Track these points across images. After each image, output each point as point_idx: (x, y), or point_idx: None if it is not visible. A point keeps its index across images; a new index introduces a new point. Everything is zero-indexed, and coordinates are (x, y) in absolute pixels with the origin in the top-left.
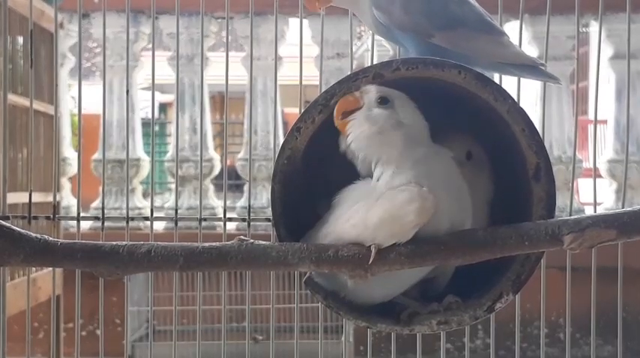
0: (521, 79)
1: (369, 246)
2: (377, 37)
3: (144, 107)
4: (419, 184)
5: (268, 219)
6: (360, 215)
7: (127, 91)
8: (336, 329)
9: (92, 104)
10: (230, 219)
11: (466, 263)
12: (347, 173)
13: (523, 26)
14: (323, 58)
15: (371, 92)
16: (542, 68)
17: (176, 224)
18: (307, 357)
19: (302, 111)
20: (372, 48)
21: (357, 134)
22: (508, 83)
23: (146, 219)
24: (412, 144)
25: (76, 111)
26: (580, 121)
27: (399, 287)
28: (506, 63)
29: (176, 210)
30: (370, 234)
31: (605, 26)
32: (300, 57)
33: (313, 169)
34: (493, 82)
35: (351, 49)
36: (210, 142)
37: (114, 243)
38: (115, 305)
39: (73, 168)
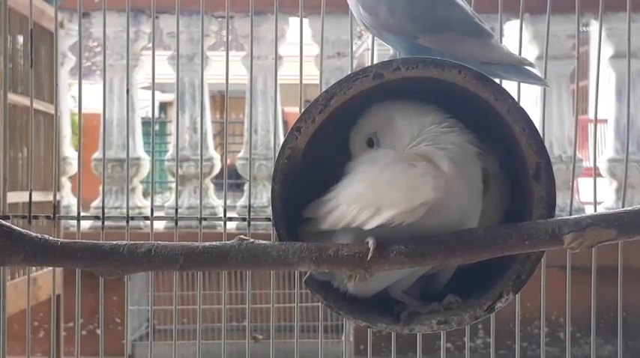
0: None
1: (367, 243)
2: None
3: (144, 106)
4: (435, 162)
5: (268, 219)
6: (371, 174)
7: (127, 90)
8: (336, 328)
9: (92, 103)
10: (230, 219)
11: (466, 262)
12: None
13: (523, 26)
14: (323, 57)
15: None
16: (530, 69)
17: (176, 223)
18: (307, 356)
19: (302, 110)
20: (372, 47)
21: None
22: (508, 83)
23: (146, 218)
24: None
25: (76, 110)
26: (580, 120)
27: (394, 277)
28: (492, 64)
29: (176, 210)
30: (374, 196)
31: (605, 25)
32: (301, 56)
33: (313, 169)
34: (493, 81)
35: (352, 48)
36: (210, 141)
37: (114, 242)
38: (115, 304)
39: (73, 168)
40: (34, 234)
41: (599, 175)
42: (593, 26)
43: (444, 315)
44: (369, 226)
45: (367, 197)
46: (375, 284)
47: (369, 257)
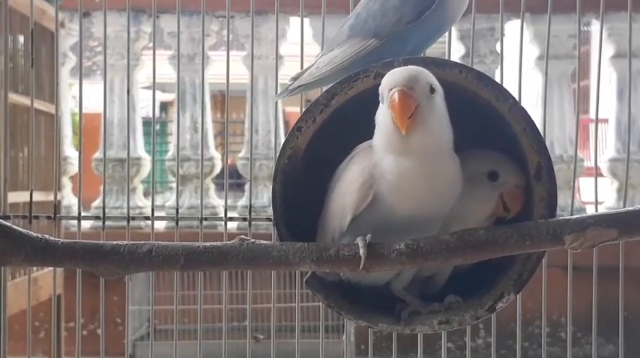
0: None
1: (357, 244)
2: None
3: (145, 106)
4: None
5: (269, 219)
6: (333, 196)
7: (128, 90)
8: (337, 328)
9: (93, 103)
10: (231, 219)
11: (467, 262)
12: None
13: (524, 25)
14: None
15: (420, 82)
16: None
17: (177, 223)
18: (308, 356)
19: (303, 110)
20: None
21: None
22: (509, 83)
23: (147, 218)
24: None
25: (77, 110)
26: (581, 120)
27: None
28: None
29: (177, 210)
30: (341, 200)
31: (606, 25)
32: (302, 56)
33: (314, 168)
34: (494, 81)
35: None
36: (211, 141)
37: (115, 242)
38: (115, 304)
39: (74, 168)
40: (35, 234)
41: (601, 175)
42: (594, 26)
43: (445, 315)
44: (344, 227)
45: (336, 212)
46: (376, 275)
47: (362, 260)
